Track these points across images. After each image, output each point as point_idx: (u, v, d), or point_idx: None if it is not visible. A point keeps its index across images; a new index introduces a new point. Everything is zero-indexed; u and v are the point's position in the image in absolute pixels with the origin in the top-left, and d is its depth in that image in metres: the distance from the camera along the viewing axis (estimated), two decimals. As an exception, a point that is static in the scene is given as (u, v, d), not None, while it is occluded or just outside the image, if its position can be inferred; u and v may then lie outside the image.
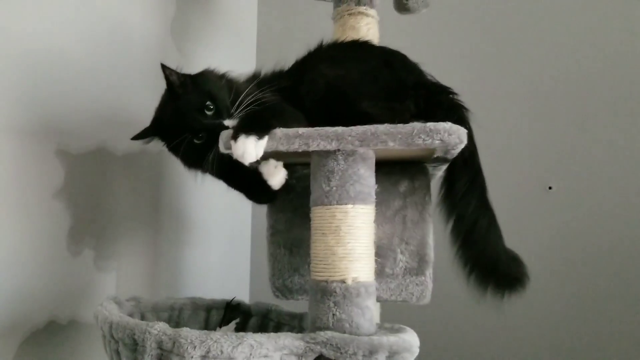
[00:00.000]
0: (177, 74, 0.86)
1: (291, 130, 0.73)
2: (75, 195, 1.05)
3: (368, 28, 1.16)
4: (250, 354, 0.69)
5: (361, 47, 0.98)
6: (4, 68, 0.91)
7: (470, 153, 0.86)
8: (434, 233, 0.88)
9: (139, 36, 1.28)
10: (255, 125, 0.72)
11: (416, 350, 0.73)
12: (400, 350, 0.70)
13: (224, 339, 0.69)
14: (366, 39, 1.06)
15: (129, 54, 1.24)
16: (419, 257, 0.85)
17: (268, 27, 2.00)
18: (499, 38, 1.63)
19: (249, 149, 0.70)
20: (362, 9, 1.15)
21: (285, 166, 0.93)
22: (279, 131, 0.73)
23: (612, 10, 1.51)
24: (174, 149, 0.86)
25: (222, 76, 0.90)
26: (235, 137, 0.71)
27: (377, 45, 1.00)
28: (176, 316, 0.99)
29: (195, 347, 0.67)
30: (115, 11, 1.20)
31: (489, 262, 0.84)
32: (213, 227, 1.55)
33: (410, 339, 0.73)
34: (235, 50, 1.81)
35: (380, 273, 0.85)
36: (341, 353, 0.70)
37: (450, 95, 0.90)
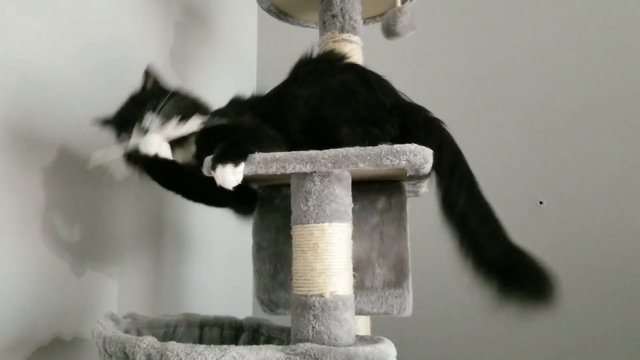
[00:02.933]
0: (157, 84, 0.96)
1: (269, 155, 0.79)
2: (79, 213, 1.11)
3: (352, 55, 1.22)
4: (234, 367, 0.73)
5: (334, 62, 1.01)
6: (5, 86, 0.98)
7: (456, 159, 0.89)
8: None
9: (138, 62, 1.35)
10: (230, 153, 0.77)
11: None
12: (375, 360, 0.75)
13: (208, 351, 0.73)
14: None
15: (128, 80, 1.30)
16: (397, 271, 0.89)
17: (268, 52, 2.07)
18: (489, 54, 1.68)
19: (227, 176, 0.75)
20: (345, 36, 1.22)
21: (271, 187, 0.99)
22: (258, 155, 0.79)
23: (602, 25, 1.55)
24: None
25: (191, 101, 0.96)
26: (213, 167, 0.76)
27: (350, 62, 1.04)
28: (171, 332, 1.04)
29: (181, 358, 0.72)
30: (115, 37, 1.28)
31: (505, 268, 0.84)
32: (215, 243, 1.60)
33: (386, 349, 0.77)
34: (236, 76, 1.88)
35: (360, 286, 0.90)
36: (319, 363, 0.74)
37: (426, 114, 0.95)
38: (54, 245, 1.05)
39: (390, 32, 1.26)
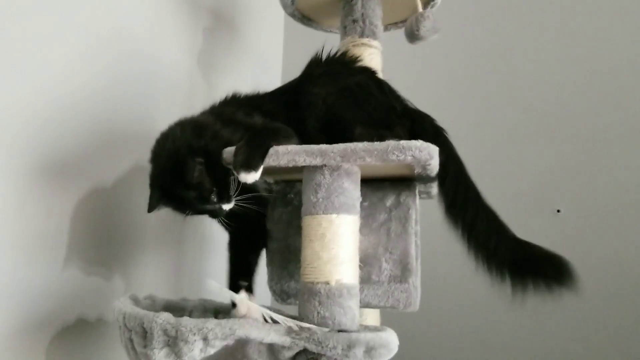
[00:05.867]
0: (199, 170, 0.89)
1: (281, 148, 0.83)
2: (106, 201, 1.18)
3: (371, 58, 1.26)
4: (245, 339, 0.78)
5: (349, 64, 1.06)
6: (33, 92, 1.02)
7: (457, 168, 0.96)
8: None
9: (167, 67, 1.43)
10: (251, 160, 0.82)
11: (394, 348, 0.80)
12: (376, 346, 0.77)
13: (218, 328, 0.78)
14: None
15: (157, 85, 1.38)
16: (402, 266, 0.92)
17: (293, 57, 2.14)
18: (508, 62, 1.70)
19: (249, 179, 0.82)
20: (365, 40, 1.26)
21: (285, 182, 1.04)
22: (271, 149, 0.84)
23: (619, 32, 1.55)
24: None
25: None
26: (237, 171, 0.82)
27: (363, 65, 1.08)
28: (187, 316, 1.09)
29: (194, 333, 0.77)
30: (143, 44, 1.35)
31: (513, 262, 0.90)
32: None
33: (388, 337, 0.80)
34: (261, 79, 1.94)
35: (367, 280, 0.93)
36: (322, 347, 0.78)
37: (433, 122, 0.99)
38: (83, 231, 1.12)
39: (413, 36, 1.29)
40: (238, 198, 0.92)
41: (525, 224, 1.58)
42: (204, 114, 1.02)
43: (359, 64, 1.06)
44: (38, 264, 1.02)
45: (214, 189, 0.89)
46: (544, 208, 1.56)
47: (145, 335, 0.80)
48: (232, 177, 0.89)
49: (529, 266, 0.89)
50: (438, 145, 0.87)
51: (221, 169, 0.88)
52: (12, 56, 0.97)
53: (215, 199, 0.90)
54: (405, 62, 1.46)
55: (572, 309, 1.48)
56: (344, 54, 1.10)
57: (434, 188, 1.07)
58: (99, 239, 1.16)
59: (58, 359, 1.05)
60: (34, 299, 1.00)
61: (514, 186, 1.57)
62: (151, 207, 0.91)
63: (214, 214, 0.93)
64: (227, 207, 0.91)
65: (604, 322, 1.44)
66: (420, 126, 0.98)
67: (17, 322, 0.96)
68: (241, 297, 0.91)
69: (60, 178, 1.07)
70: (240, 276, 0.97)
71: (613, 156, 1.50)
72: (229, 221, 0.97)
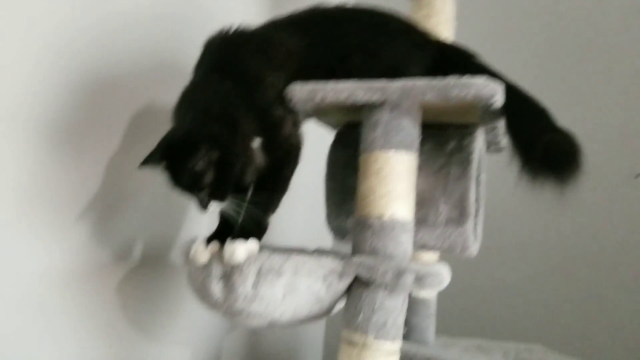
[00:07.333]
0: (206, 163, 0.83)
1: (340, 84, 0.86)
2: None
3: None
4: (296, 270, 0.83)
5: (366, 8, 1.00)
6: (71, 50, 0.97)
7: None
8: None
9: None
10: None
11: (445, 279, 0.81)
12: (426, 275, 0.79)
13: (274, 256, 0.84)
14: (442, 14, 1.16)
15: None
16: (460, 210, 0.92)
17: None
18: (590, 17, 1.59)
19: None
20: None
21: (347, 125, 1.07)
22: (330, 84, 0.87)
23: None
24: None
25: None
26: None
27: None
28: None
29: (250, 263, 0.82)
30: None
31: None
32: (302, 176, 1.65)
33: (439, 269, 0.82)
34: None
35: (423, 221, 0.94)
36: (373, 273, 0.81)
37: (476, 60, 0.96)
38: (149, 182, 1.14)
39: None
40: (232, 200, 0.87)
41: (602, 187, 1.51)
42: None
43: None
44: (108, 209, 1.06)
45: (211, 186, 0.84)
46: (623, 172, 1.47)
47: (203, 268, 0.86)
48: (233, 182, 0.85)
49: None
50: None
51: (230, 171, 0.84)
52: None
53: (206, 196, 0.85)
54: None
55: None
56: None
57: (503, 138, 1.06)
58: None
59: (129, 296, 1.12)
60: (102, 240, 1.05)
61: (592, 149, 1.48)
62: (145, 163, 0.83)
63: (198, 203, 0.86)
64: (215, 206, 0.86)
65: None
66: (463, 64, 0.94)
67: (90, 260, 1.02)
68: (197, 245, 0.89)
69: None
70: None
71: None
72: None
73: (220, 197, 0.86)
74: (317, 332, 2.00)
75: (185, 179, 0.83)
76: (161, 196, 1.18)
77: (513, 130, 0.86)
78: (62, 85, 0.96)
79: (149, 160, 0.83)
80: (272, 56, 0.92)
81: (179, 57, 1.20)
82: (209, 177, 0.83)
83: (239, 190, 0.88)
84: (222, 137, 0.83)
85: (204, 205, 0.86)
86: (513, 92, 0.87)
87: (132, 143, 1.10)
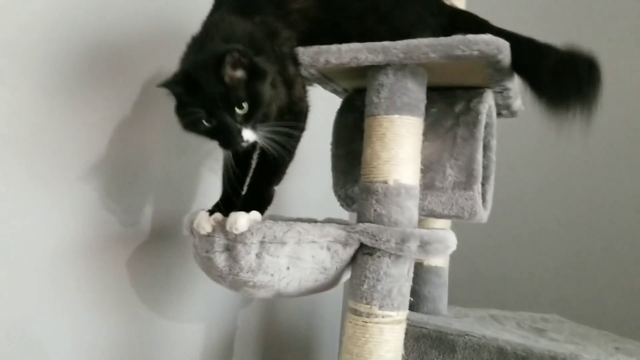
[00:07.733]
0: (237, 72, 0.77)
1: (343, 46, 0.83)
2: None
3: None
4: (300, 239, 0.82)
5: None
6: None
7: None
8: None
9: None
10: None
11: (451, 245, 0.79)
12: (432, 241, 0.77)
13: (276, 226, 0.82)
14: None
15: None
16: (467, 173, 0.89)
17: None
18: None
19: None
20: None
21: (355, 91, 1.04)
22: (334, 47, 0.84)
23: None
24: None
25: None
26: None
27: None
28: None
29: (252, 233, 0.81)
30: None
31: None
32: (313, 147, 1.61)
33: (445, 234, 0.80)
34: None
35: (430, 186, 0.91)
36: (376, 240, 0.79)
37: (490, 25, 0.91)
38: (160, 154, 1.14)
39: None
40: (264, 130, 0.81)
41: (625, 177, 1.45)
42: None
43: None
44: (115, 181, 1.05)
45: (247, 102, 0.76)
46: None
47: (208, 238, 0.85)
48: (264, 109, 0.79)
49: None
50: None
51: (262, 85, 0.78)
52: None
53: (240, 118, 0.77)
54: None
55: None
56: None
57: (515, 100, 1.02)
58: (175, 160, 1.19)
59: (144, 271, 1.12)
60: (109, 215, 1.04)
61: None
62: (166, 84, 0.77)
63: (228, 139, 0.78)
64: (249, 136, 0.78)
65: None
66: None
67: (104, 235, 1.03)
68: (201, 215, 0.87)
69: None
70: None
71: None
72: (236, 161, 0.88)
73: (253, 122, 0.78)
74: (334, 306, 1.99)
75: (219, 92, 0.75)
76: (175, 168, 1.18)
77: (525, 74, 0.86)
78: (72, 56, 0.95)
79: (173, 81, 0.77)
80: (287, 12, 0.89)
81: (192, 24, 1.18)
82: (241, 91, 0.76)
83: (264, 120, 0.81)
84: (255, 42, 0.80)
85: (235, 142, 0.77)
86: (530, 46, 0.85)
87: (143, 115, 1.09)
